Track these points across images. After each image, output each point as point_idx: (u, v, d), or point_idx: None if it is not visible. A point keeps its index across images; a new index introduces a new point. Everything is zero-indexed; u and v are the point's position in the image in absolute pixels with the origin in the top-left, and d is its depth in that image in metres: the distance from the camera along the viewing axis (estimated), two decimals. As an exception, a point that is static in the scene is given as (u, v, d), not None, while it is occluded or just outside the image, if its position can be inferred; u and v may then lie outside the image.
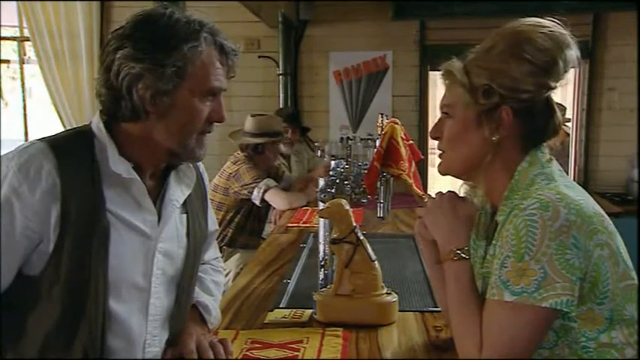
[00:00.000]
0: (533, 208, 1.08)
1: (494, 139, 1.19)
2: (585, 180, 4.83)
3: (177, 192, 1.32)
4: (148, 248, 1.26)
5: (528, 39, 1.16)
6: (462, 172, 1.29)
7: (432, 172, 4.97)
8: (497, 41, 1.19)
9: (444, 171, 1.31)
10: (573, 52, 1.18)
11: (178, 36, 1.18)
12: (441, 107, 1.27)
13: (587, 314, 1.10)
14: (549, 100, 1.21)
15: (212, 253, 1.60)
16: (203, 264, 1.52)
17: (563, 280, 1.05)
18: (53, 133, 1.25)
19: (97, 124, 1.23)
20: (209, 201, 1.51)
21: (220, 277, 1.60)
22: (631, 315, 1.12)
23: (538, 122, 1.21)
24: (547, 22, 1.19)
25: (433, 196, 1.34)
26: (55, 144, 1.17)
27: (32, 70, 5.17)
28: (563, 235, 1.06)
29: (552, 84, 1.18)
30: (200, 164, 1.43)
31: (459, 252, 1.23)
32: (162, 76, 1.16)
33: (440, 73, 1.27)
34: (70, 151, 1.18)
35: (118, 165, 1.20)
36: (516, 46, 1.16)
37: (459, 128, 1.23)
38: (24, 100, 5.11)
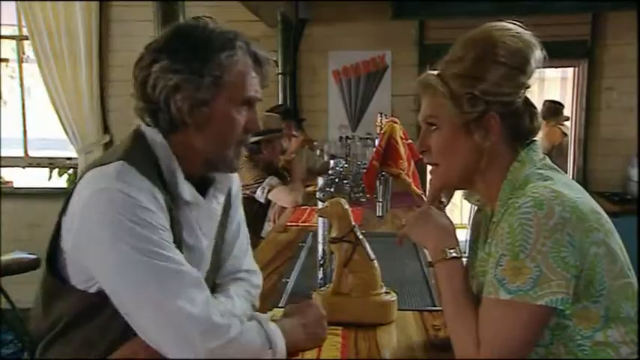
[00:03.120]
0: (527, 206, 1.09)
1: (486, 145, 1.20)
2: (584, 179, 4.83)
3: (215, 204, 1.36)
4: (198, 262, 1.29)
5: (500, 42, 1.18)
6: (458, 182, 1.30)
7: (431, 171, 4.96)
8: (468, 49, 1.20)
9: (439, 184, 1.32)
10: (539, 52, 1.21)
11: (214, 45, 1.19)
12: (425, 118, 1.27)
13: (582, 312, 1.10)
14: (527, 100, 1.23)
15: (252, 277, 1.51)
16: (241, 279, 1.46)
17: (559, 278, 1.05)
18: (117, 152, 1.22)
19: (160, 142, 1.23)
20: (236, 209, 1.51)
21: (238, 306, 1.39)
22: (627, 313, 1.12)
23: (523, 123, 1.22)
24: (511, 25, 1.21)
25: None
26: (138, 166, 1.16)
27: (31, 69, 5.16)
28: (558, 233, 1.06)
29: (528, 82, 1.20)
30: (235, 176, 1.46)
31: (451, 251, 1.24)
32: (200, 85, 1.17)
33: (417, 86, 1.27)
34: (146, 174, 1.17)
35: (185, 189, 1.23)
36: (490, 52, 1.18)
37: (448, 139, 1.23)
38: (22, 99, 5.11)
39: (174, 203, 1.21)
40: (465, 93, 1.18)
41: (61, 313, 1.21)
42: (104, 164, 1.16)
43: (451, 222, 1.33)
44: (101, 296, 1.15)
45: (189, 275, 1.14)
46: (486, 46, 1.19)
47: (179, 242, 1.21)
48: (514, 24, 1.21)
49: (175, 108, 1.18)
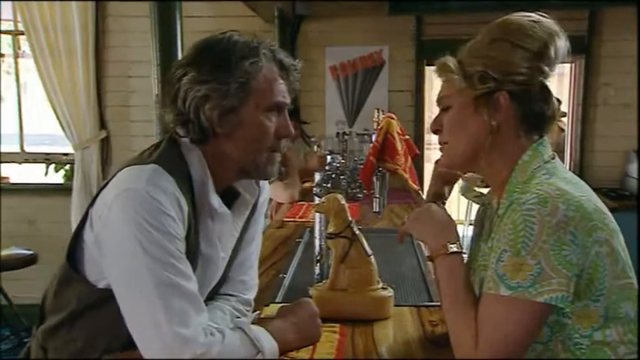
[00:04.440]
0: (531, 203, 1.09)
1: (493, 123, 1.20)
2: (581, 175, 4.81)
3: (238, 219, 1.37)
4: (213, 274, 1.32)
5: (519, 27, 1.19)
6: (464, 162, 1.29)
7: (428, 167, 4.96)
8: (488, 33, 1.22)
9: (446, 164, 1.32)
10: (563, 43, 1.21)
11: (238, 54, 1.21)
12: (439, 100, 1.29)
13: (582, 311, 1.10)
14: (545, 86, 1.22)
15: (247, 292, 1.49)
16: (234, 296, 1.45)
17: (559, 276, 1.05)
18: (149, 157, 1.23)
19: (194, 152, 1.25)
20: (257, 218, 1.50)
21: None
22: (626, 314, 1.12)
23: (535, 107, 1.22)
24: (536, 15, 1.22)
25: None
26: (170, 172, 1.17)
27: (27, 65, 5.13)
28: (560, 231, 1.06)
29: (545, 69, 1.20)
30: (265, 186, 1.46)
31: (452, 246, 1.25)
32: (227, 93, 1.19)
33: (434, 70, 1.29)
34: (177, 182, 1.18)
35: (214, 201, 1.25)
36: (508, 35, 1.19)
37: (457, 116, 1.25)
38: (19, 95, 5.08)
39: (197, 214, 1.23)
40: (477, 70, 1.19)
41: (69, 301, 1.23)
42: (139, 164, 1.18)
43: (451, 218, 1.34)
44: (108, 292, 1.17)
45: (192, 293, 1.15)
46: (505, 30, 1.20)
47: (196, 253, 1.23)
48: (542, 15, 1.22)
49: (205, 117, 1.21)
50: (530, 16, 1.22)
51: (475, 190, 1.26)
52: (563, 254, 1.06)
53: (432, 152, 5.07)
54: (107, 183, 1.20)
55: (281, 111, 1.28)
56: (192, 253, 1.21)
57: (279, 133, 1.28)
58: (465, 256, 1.32)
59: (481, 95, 1.20)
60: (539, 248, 1.06)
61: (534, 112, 1.22)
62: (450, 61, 1.24)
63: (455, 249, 1.25)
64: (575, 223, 1.07)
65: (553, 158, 1.23)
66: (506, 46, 1.18)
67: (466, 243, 1.43)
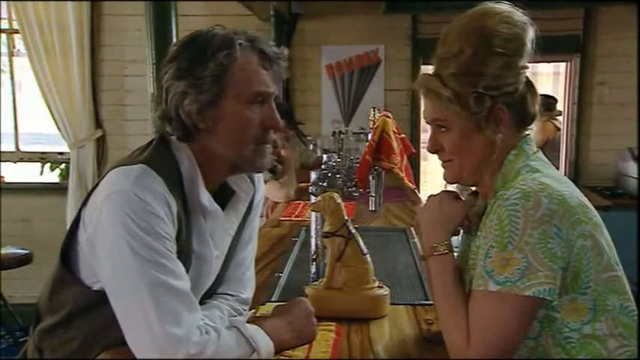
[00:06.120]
0: (515, 198, 1.10)
1: (499, 136, 1.20)
2: (576, 174, 4.85)
3: (233, 218, 1.36)
4: (207, 272, 1.31)
5: (494, 32, 1.17)
6: (474, 178, 1.27)
7: (424, 165, 4.97)
8: (463, 43, 1.18)
9: (453, 180, 1.30)
10: (533, 30, 1.20)
11: (213, 47, 1.19)
12: (433, 120, 1.25)
13: (570, 304, 1.11)
14: (529, 81, 1.22)
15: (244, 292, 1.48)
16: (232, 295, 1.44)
17: (546, 269, 1.06)
18: (139, 156, 1.23)
19: (184, 150, 1.24)
20: (253, 217, 1.49)
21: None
22: (614, 306, 1.13)
23: (527, 105, 1.22)
24: (502, 7, 1.20)
25: (424, 191, 1.35)
26: (159, 172, 1.17)
27: (22, 63, 5.11)
28: (545, 225, 1.07)
29: (527, 64, 1.20)
30: (261, 185, 1.46)
31: (439, 248, 1.25)
32: (202, 88, 1.18)
33: (417, 85, 1.25)
34: (165, 181, 1.17)
35: (204, 197, 1.24)
36: (485, 44, 1.17)
37: (461, 139, 1.22)
38: (14, 94, 5.07)
39: (188, 212, 1.22)
40: (470, 92, 1.17)
41: (65, 303, 1.23)
42: (127, 165, 1.17)
43: (454, 211, 1.29)
44: (103, 294, 1.16)
45: (184, 292, 1.15)
46: (481, 38, 1.17)
47: (189, 251, 1.22)
48: (504, 3, 1.21)
49: (185, 114, 1.20)
50: (500, 13, 1.19)
51: (471, 189, 1.27)
52: (549, 247, 1.07)
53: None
54: (98, 183, 1.20)
55: (265, 101, 1.25)
56: (185, 252, 1.21)
57: (264, 124, 1.25)
58: (456, 254, 1.32)
59: (481, 116, 1.18)
60: (525, 242, 1.07)
61: (527, 111, 1.22)
62: (435, 84, 1.20)
63: (442, 251, 1.25)
64: (559, 217, 1.08)
65: (536, 153, 1.24)
66: (488, 58, 1.16)
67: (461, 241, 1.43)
